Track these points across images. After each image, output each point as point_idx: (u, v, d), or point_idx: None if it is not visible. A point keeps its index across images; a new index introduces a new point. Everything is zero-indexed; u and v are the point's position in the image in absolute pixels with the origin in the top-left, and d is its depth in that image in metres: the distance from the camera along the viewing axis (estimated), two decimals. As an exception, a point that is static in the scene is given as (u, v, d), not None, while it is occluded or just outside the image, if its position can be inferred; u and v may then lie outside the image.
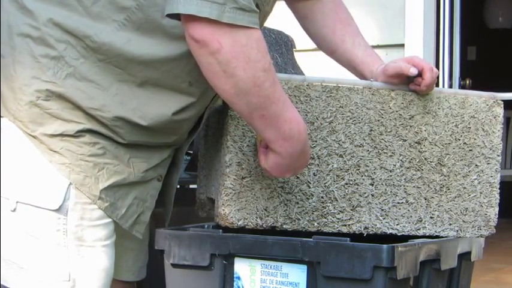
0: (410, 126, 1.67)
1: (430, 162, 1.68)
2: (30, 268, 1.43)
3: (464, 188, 1.70)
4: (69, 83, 1.39)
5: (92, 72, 1.40)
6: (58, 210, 1.41)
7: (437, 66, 3.96)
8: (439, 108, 1.69)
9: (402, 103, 1.67)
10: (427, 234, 1.68)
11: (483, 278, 3.74)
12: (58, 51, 1.39)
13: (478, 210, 1.71)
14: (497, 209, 1.73)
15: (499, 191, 1.73)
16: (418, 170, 1.67)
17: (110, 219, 1.46)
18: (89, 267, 1.45)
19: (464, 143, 1.70)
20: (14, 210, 1.41)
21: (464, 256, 1.79)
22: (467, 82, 4.63)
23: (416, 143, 1.67)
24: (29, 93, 1.39)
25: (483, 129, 1.72)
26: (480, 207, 1.71)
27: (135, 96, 1.43)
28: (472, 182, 1.71)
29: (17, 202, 1.41)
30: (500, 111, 1.73)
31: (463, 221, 1.71)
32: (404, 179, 1.66)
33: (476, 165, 1.71)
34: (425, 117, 1.68)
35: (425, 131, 1.68)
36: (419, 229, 1.68)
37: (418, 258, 1.54)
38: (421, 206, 1.67)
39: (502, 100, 1.75)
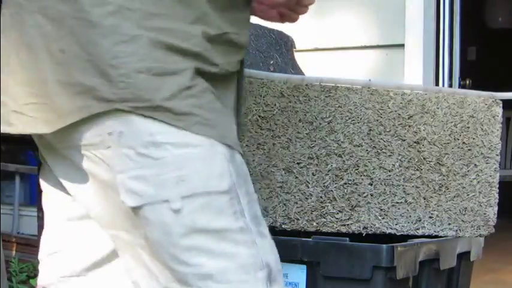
0: (409, 126, 1.67)
1: (429, 161, 1.68)
2: (220, 271, 1.15)
3: (463, 187, 1.70)
4: (150, 26, 1.13)
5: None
6: (228, 189, 1.14)
7: (437, 66, 3.96)
8: (437, 108, 1.69)
9: (401, 103, 1.67)
10: (426, 233, 1.68)
11: (482, 278, 3.74)
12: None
13: (477, 209, 1.71)
14: (496, 208, 1.73)
15: (498, 190, 1.73)
16: (417, 169, 1.67)
17: None
18: (271, 246, 1.21)
19: (463, 142, 1.70)
20: (179, 210, 1.12)
21: (464, 256, 1.79)
22: (467, 82, 4.63)
23: (415, 142, 1.67)
24: (124, 64, 1.12)
25: (482, 129, 1.72)
26: (479, 206, 1.71)
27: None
28: (471, 181, 1.71)
29: (182, 198, 1.12)
30: (499, 110, 1.73)
31: (462, 220, 1.70)
32: (403, 178, 1.66)
33: (475, 164, 1.71)
34: (424, 117, 1.68)
35: (424, 130, 1.68)
36: (418, 229, 1.68)
37: (418, 258, 1.54)
38: (420, 205, 1.67)
39: (502, 100, 1.75)
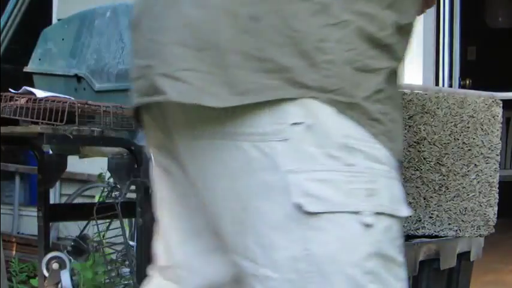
0: (409, 126, 1.67)
1: (429, 161, 1.68)
2: None
3: (463, 187, 1.70)
4: (356, 10, 0.98)
5: None
6: (405, 217, 1.02)
7: (437, 66, 3.97)
8: (438, 108, 1.69)
9: (401, 103, 1.66)
10: (426, 233, 1.68)
11: (483, 278, 3.74)
12: None
13: (477, 209, 1.71)
14: (496, 208, 1.73)
15: (498, 190, 1.73)
16: (417, 169, 1.67)
17: None
18: None
19: (463, 142, 1.70)
20: (371, 226, 0.96)
21: (464, 256, 1.79)
22: (467, 82, 4.64)
23: (415, 142, 1.67)
24: (332, 50, 0.96)
25: (482, 129, 1.72)
26: (479, 206, 1.71)
27: None
28: (471, 181, 1.71)
29: (374, 213, 0.96)
30: (499, 110, 1.73)
31: (462, 220, 1.70)
32: (403, 178, 1.66)
33: (475, 164, 1.71)
34: (424, 117, 1.68)
35: (424, 130, 1.68)
36: (418, 229, 1.67)
37: (418, 258, 1.54)
38: (420, 205, 1.67)
39: (502, 100, 1.75)
